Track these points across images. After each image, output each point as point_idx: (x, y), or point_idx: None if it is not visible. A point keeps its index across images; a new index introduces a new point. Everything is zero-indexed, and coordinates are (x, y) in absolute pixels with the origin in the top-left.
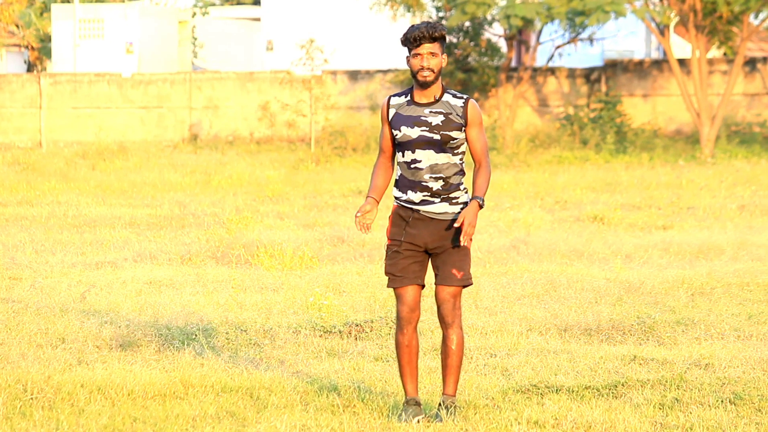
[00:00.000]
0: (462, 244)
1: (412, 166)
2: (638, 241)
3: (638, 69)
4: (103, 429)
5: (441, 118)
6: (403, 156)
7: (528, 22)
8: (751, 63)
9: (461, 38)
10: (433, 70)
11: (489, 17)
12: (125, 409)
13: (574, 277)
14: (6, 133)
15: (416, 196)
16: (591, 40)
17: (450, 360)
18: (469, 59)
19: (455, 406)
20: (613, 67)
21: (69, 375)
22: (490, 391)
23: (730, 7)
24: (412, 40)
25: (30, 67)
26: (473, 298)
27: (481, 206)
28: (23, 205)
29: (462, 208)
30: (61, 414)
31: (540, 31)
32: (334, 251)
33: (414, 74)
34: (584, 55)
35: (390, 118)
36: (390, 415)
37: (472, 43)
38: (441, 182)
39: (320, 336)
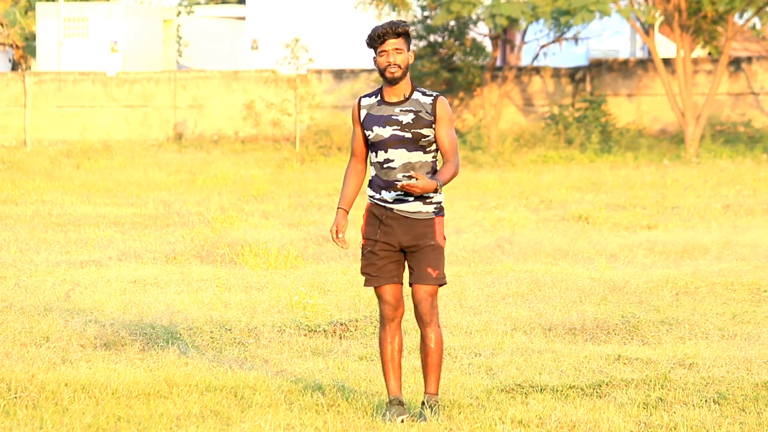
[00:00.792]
0: (399, 186)
1: (385, 165)
2: (623, 240)
3: (623, 68)
4: (87, 428)
5: (411, 116)
6: (376, 156)
7: (513, 21)
8: (735, 63)
9: (446, 37)
10: (399, 66)
11: (474, 16)
12: (109, 408)
13: (558, 277)
14: None
15: (390, 196)
16: (576, 39)
17: (430, 359)
18: (454, 58)
19: (438, 405)
20: (598, 67)
21: (53, 374)
22: (475, 390)
23: (715, 7)
24: (376, 38)
25: (15, 66)
26: (458, 297)
27: (437, 189)
28: (8, 204)
29: (436, 208)
30: (45, 413)
31: (525, 31)
32: (319, 250)
33: (382, 72)
34: (569, 55)
35: (362, 119)
36: (374, 414)
37: (457, 42)
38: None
39: (305, 335)
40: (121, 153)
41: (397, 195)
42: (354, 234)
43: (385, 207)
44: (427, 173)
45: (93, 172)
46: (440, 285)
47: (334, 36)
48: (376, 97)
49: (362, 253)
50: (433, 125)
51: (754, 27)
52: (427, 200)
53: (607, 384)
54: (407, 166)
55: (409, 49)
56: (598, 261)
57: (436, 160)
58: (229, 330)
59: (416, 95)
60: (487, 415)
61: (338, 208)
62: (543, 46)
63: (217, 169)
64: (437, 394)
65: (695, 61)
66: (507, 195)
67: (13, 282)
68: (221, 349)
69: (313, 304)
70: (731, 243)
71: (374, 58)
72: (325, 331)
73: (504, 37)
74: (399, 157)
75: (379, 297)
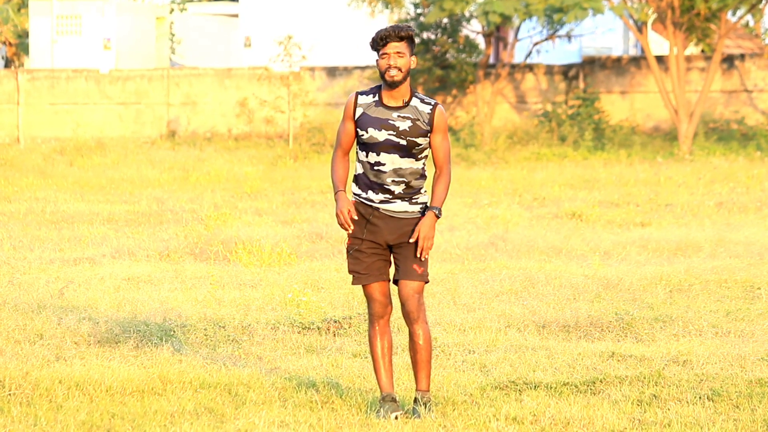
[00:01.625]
0: (421, 258)
1: (376, 168)
2: (616, 238)
3: (616, 66)
4: (81, 425)
5: (409, 123)
6: (366, 156)
7: (506, 19)
8: (728, 60)
9: (439, 35)
10: (400, 69)
11: (467, 14)
12: (103, 405)
13: (552, 274)
14: None
15: (377, 197)
16: (569, 36)
17: (419, 356)
18: (447, 56)
19: (431, 402)
20: (591, 64)
21: (47, 371)
22: (469, 387)
23: (708, 4)
24: (379, 40)
25: (7, 63)
26: (451, 295)
27: (437, 216)
28: (1, 201)
29: (422, 208)
30: (39, 410)
31: (518, 28)
32: (313, 248)
33: (382, 74)
34: (562, 52)
35: (356, 116)
36: (368, 411)
37: (450, 40)
38: (403, 186)
39: (298, 332)
40: (115, 150)
41: (384, 197)
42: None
43: (371, 206)
44: (417, 179)
45: (86, 170)
46: (425, 282)
47: (327, 33)
48: (373, 97)
49: (348, 252)
50: (429, 134)
51: (747, 24)
52: (413, 200)
53: (601, 381)
54: (397, 171)
55: (411, 54)
56: (592, 258)
57: (425, 166)
58: (223, 327)
59: (415, 102)
60: (481, 412)
61: (337, 191)
62: (536, 44)
63: (210, 167)
64: (429, 391)
65: (688, 59)
66: (500, 192)
67: (7, 279)
68: (215, 346)
69: (307, 301)
70: (724, 240)
71: (376, 60)
72: (318, 329)
73: (497, 34)
74: (390, 161)
75: (368, 295)
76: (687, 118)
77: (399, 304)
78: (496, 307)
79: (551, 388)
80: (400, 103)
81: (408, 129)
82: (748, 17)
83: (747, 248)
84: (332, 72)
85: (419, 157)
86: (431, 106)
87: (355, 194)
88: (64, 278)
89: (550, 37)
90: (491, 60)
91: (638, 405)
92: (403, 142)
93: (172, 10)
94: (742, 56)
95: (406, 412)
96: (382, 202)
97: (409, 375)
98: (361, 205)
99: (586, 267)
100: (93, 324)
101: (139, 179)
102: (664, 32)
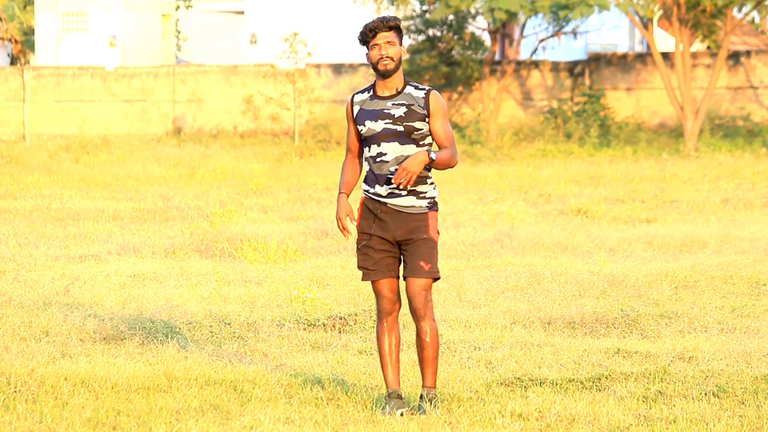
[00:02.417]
0: (394, 182)
1: (378, 159)
2: (622, 234)
3: (622, 62)
4: (87, 422)
5: (403, 109)
6: (369, 150)
7: (512, 16)
8: (734, 56)
9: (445, 31)
10: (392, 59)
11: (473, 10)
12: (109, 402)
13: (557, 270)
14: None
15: (383, 190)
16: (575, 33)
17: (426, 352)
18: (453, 53)
19: (437, 399)
20: (597, 61)
21: (52, 368)
22: (474, 383)
23: (714, 1)
24: (368, 32)
25: (13, 61)
26: (457, 291)
27: (431, 159)
28: (6, 198)
29: (429, 203)
30: (45, 407)
31: (524, 25)
32: (318, 244)
33: (374, 66)
34: (568, 49)
35: (355, 115)
36: (373, 408)
37: (455, 37)
38: None
39: (304, 329)
40: (120, 147)
41: (390, 189)
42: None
43: (379, 201)
44: (424, 168)
45: (92, 167)
46: (434, 279)
47: (333, 30)
48: (368, 93)
49: (357, 247)
50: (427, 119)
51: (752, 21)
52: (421, 195)
53: (606, 377)
54: (400, 160)
55: (401, 44)
56: (597, 255)
57: None
58: (229, 324)
59: (408, 89)
60: (486, 409)
61: (339, 193)
62: (542, 40)
63: (215, 164)
64: (435, 388)
65: (694, 55)
66: (506, 189)
67: (12, 276)
68: (220, 343)
69: (312, 298)
70: (730, 237)
71: (367, 53)
72: (324, 325)
73: (503, 31)
74: (392, 150)
75: (377, 291)
76: (693, 115)
77: (407, 300)
78: (501, 303)
79: (557, 384)
80: (394, 92)
81: (403, 115)
82: (754, 14)
83: (752, 244)
84: (338, 69)
85: (420, 143)
86: (425, 92)
87: (364, 190)
88: (69, 275)
89: (556, 33)
90: (497, 57)
91: (644, 401)
92: (401, 129)
93: (178, 7)
94: (748, 53)
95: (411, 409)
96: (389, 195)
97: (415, 372)
98: (369, 201)
99: (591, 263)
100: (98, 321)
101: (145, 176)
102: (669, 29)
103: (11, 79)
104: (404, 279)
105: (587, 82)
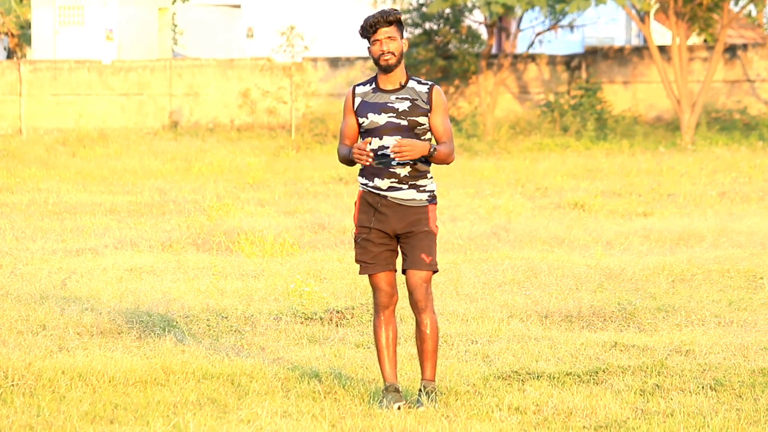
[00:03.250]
0: (390, 151)
1: (380, 153)
2: (619, 227)
3: (618, 56)
4: (84, 415)
5: (407, 103)
6: (370, 144)
7: (508, 9)
8: (731, 50)
9: (441, 25)
10: (393, 53)
11: (469, 4)
12: (106, 395)
13: (554, 264)
14: None
15: (383, 183)
16: (571, 27)
17: (426, 345)
18: (450, 46)
19: (435, 392)
20: (594, 54)
21: (50, 362)
22: (471, 377)
23: None
24: (368, 27)
25: (10, 54)
26: (454, 285)
27: (430, 151)
28: (3, 192)
29: (429, 196)
30: (42, 400)
31: (520, 18)
32: (315, 238)
33: (376, 61)
34: (565, 42)
35: (356, 106)
36: (371, 401)
37: (452, 30)
38: (408, 168)
39: (301, 323)
40: (117, 141)
41: (391, 182)
42: (348, 222)
43: (379, 195)
44: (422, 161)
45: (89, 160)
46: (433, 272)
47: (330, 24)
48: (370, 85)
49: (356, 241)
50: (428, 114)
51: (749, 14)
52: (421, 188)
53: (603, 371)
54: None
55: (402, 37)
56: (594, 248)
57: None
58: (226, 318)
59: (412, 83)
60: (483, 402)
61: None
62: (538, 34)
63: (212, 157)
64: (434, 381)
65: (691, 49)
66: (503, 182)
67: (9, 270)
68: (218, 336)
69: (310, 291)
70: (727, 230)
71: (368, 48)
72: (321, 319)
73: (499, 24)
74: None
75: (374, 285)
76: (689, 108)
77: (406, 293)
78: (498, 297)
79: (554, 378)
80: (397, 86)
81: (408, 109)
82: (751, 7)
83: (749, 238)
84: (335, 62)
85: (422, 138)
86: (428, 86)
87: (362, 184)
88: (66, 269)
89: (553, 27)
90: (494, 50)
91: (641, 395)
92: (405, 123)
93: (175, 0)
94: (745, 46)
95: (408, 403)
96: (389, 189)
97: (413, 365)
98: (368, 195)
99: (588, 257)
100: (96, 315)
101: (142, 170)
102: (666, 22)
103: (8, 73)
104: (404, 272)
105: (584, 75)
